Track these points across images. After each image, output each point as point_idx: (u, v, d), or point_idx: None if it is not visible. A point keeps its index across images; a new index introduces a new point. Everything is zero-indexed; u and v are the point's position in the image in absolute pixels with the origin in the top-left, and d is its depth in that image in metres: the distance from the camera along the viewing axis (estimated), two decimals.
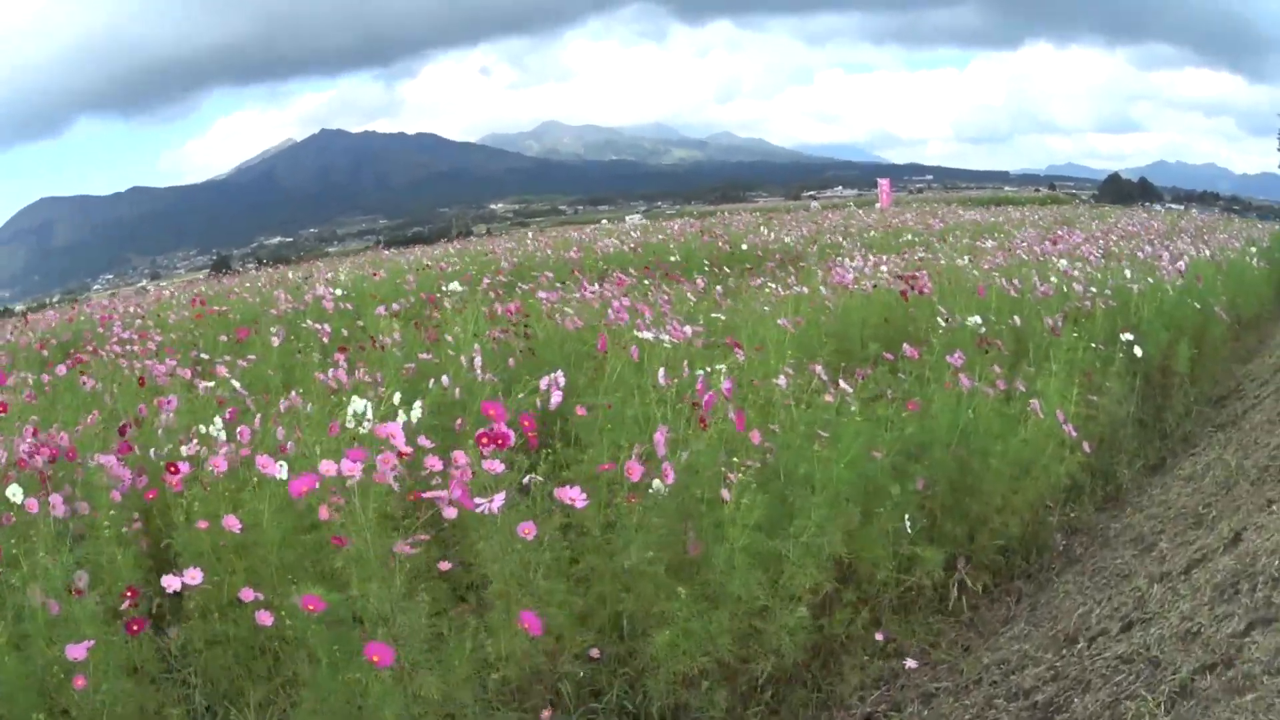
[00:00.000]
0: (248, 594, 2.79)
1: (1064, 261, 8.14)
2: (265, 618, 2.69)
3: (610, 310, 6.04)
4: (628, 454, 3.15)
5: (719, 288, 7.85)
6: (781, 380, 4.13)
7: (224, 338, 7.63)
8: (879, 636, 3.57)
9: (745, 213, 33.20)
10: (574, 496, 2.82)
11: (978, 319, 5.58)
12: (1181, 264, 8.21)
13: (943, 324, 5.57)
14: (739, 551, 3.02)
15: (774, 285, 7.79)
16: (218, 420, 3.71)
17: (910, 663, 3.53)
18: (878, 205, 32.17)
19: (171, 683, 3.07)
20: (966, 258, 9.07)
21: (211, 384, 4.93)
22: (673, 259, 13.03)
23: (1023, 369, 4.93)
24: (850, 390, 4.09)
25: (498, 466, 2.76)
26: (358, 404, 3.20)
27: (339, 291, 10.11)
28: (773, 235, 16.68)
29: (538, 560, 2.86)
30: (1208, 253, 10.50)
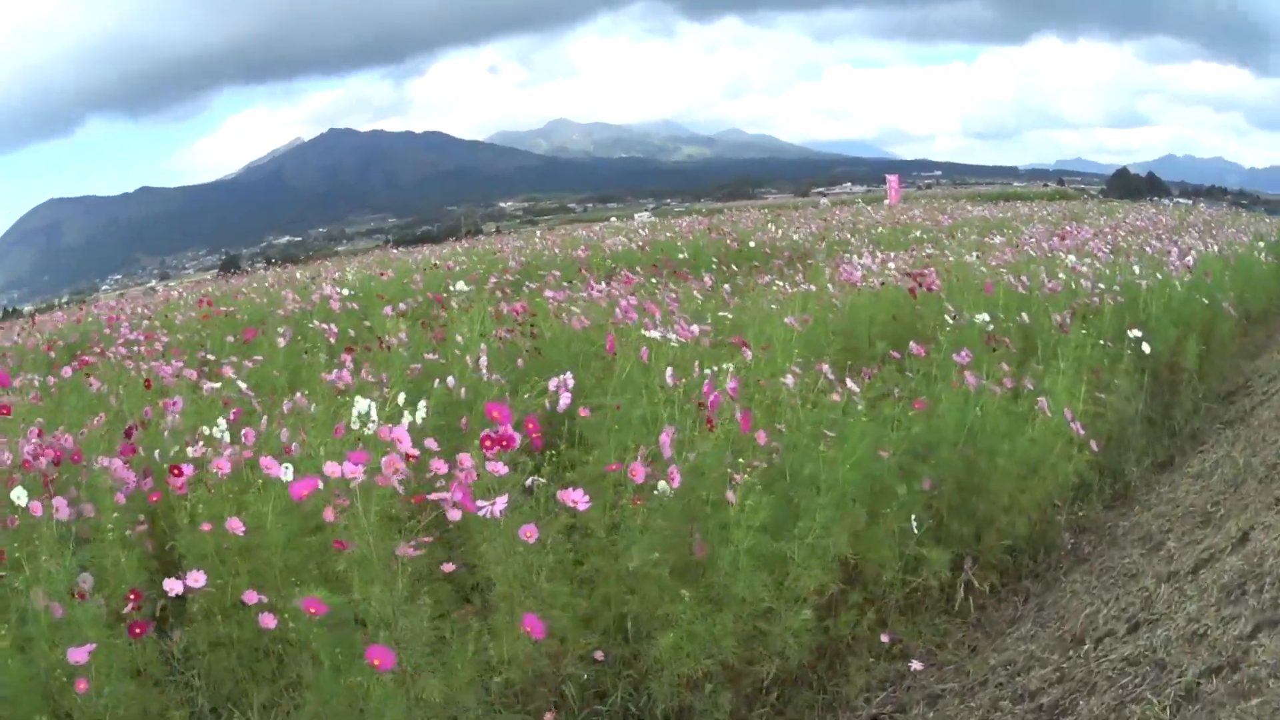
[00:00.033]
0: (251, 596, 2.81)
1: (1072, 257, 8.07)
2: (269, 620, 2.70)
3: (617, 309, 6.01)
4: (633, 455, 3.14)
5: (727, 286, 7.80)
6: (789, 379, 4.12)
7: (231, 338, 7.66)
8: (885, 638, 3.54)
9: (754, 210, 33.23)
10: (576, 499, 2.82)
11: (985, 316, 5.55)
12: (1190, 259, 8.15)
13: (950, 321, 5.54)
14: (744, 553, 3.01)
15: (782, 283, 7.74)
16: (221, 422, 3.70)
17: (916, 664, 3.51)
18: (886, 202, 32.02)
19: (175, 685, 3.07)
20: (975, 254, 9.01)
21: (217, 385, 4.93)
22: (681, 257, 13.03)
23: (1030, 366, 4.91)
24: (857, 390, 4.07)
25: (501, 468, 2.75)
26: (362, 405, 3.19)
27: (346, 291, 10.16)
28: (781, 232, 16.66)
29: (541, 562, 2.85)
30: (1216, 247, 10.43)
